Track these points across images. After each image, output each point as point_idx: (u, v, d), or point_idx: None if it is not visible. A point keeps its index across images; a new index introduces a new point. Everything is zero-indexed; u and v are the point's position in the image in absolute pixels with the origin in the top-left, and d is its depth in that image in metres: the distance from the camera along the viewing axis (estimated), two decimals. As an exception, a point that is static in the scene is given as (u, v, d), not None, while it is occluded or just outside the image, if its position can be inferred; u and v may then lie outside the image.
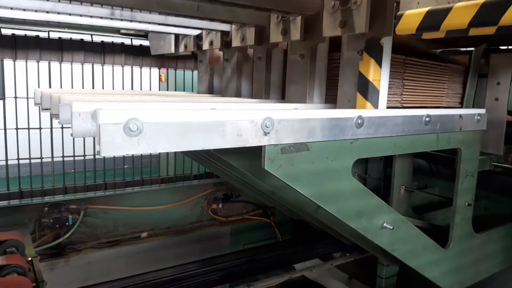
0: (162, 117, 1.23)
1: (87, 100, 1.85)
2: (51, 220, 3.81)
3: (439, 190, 3.84)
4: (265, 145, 1.48)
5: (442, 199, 3.52)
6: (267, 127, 1.45)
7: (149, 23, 2.80)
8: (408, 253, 2.27)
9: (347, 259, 3.81)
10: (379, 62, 2.02)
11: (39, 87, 3.77)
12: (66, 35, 3.88)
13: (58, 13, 2.59)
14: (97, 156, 4.16)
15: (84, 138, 4.04)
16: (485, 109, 2.73)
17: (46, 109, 2.09)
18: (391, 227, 2.03)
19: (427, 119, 2.02)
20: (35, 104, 2.48)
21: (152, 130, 1.21)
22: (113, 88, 4.20)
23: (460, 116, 2.21)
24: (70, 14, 2.60)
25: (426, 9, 1.61)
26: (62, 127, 3.89)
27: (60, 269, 3.82)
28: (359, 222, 1.94)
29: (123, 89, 4.24)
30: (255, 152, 1.51)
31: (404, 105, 2.40)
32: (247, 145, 1.42)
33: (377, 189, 4.17)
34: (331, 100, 2.39)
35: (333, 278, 3.74)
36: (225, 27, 2.89)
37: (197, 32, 3.25)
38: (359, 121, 1.73)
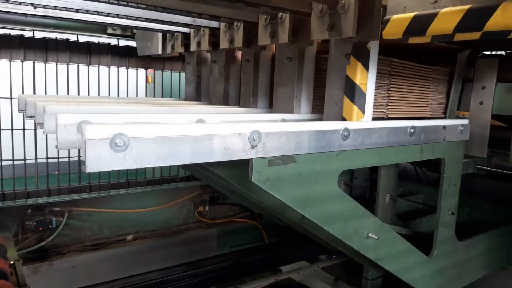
0: (148, 132, 1.22)
1: (72, 111, 1.82)
2: (35, 223, 3.75)
3: (423, 196, 3.90)
4: (252, 158, 1.48)
5: (426, 205, 3.59)
6: (254, 140, 1.45)
7: (136, 18, 2.77)
8: (393, 262, 2.31)
9: (333, 261, 3.83)
10: (366, 66, 2.03)
11: (23, 87, 3.72)
12: (51, 34, 3.83)
13: (44, 6, 2.55)
14: (82, 156, 4.10)
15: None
16: (470, 112, 2.79)
17: (31, 117, 2.06)
18: (376, 237, 2.06)
19: (412, 130, 2.06)
20: (19, 110, 2.44)
21: (138, 145, 1.20)
22: (99, 89, 4.16)
23: (444, 127, 2.26)
24: (55, 8, 2.55)
25: (413, 14, 1.63)
26: (46, 128, 3.83)
27: (44, 272, 3.76)
28: (345, 232, 1.96)
29: (109, 90, 4.20)
30: (243, 163, 1.51)
31: (390, 115, 2.43)
32: (234, 159, 1.42)
33: (363, 195, 4.21)
34: (318, 108, 2.41)
35: (319, 280, 3.75)
36: (213, 24, 2.87)
37: (184, 29, 3.23)
38: (345, 133, 1.76)
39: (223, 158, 1.40)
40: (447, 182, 2.42)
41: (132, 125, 1.20)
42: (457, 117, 2.92)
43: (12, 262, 2.83)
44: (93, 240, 4.16)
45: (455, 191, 2.50)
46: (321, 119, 2.28)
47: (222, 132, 1.38)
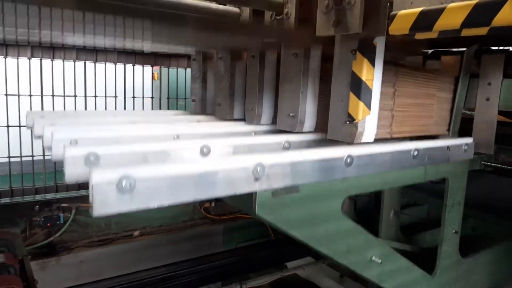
0: (154, 172, 1.23)
1: (80, 140, 1.82)
2: (42, 219, 3.78)
3: (428, 206, 3.88)
4: (256, 191, 1.48)
5: (431, 217, 3.59)
6: (258, 172, 1.44)
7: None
8: (396, 283, 2.30)
9: (339, 258, 3.83)
10: (372, 62, 2.03)
11: (30, 84, 3.74)
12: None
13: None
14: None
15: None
16: (476, 108, 2.77)
17: (39, 137, 2.06)
18: (379, 261, 2.06)
19: (415, 153, 2.04)
20: (27, 127, 2.43)
21: (144, 186, 1.20)
22: (105, 87, 4.18)
23: (448, 147, 2.24)
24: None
25: (419, 9, 1.62)
26: (53, 125, 3.86)
27: (52, 268, 3.80)
28: (348, 258, 1.97)
29: (115, 87, 4.22)
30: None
31: (394, 136, 2.41)
32: (238, 193, 1.41)
33: (367, 209, 4.17)
34: (323, 101, 2.40)
35: (325, 276, 3.76)
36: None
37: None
38: (349, 160, 1.75)
39: (227, 193, 1.39)
40: (451, 200, 2.41)
41: (137, 166, 1.21)
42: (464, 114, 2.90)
43: (20, 258, 2.86)
44: (101, 236, 4.19)
45: (459, 210, 2.50)
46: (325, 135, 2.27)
47: (226, 167, 1.37)
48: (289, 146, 2.10)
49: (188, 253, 4.42)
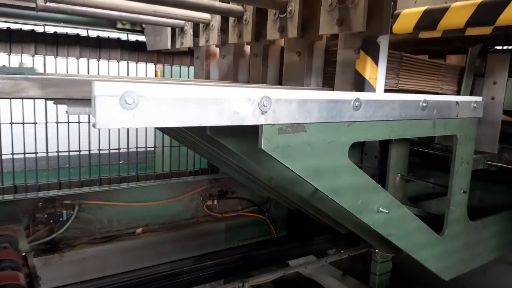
0: (158, 92, 1.21)
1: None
2: (45, 215, 3.79)
3: (433, 180, 3.78)
4: (262, 124, 1.46)
5: (437, 190, 3.48)
6: (264, 106, 1.42)
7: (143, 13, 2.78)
8: (404, 239, 2.26)
9: (341, 256, 3.83)
10: (376, 61, 2.02)
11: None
12: (61, 29, 3.86)
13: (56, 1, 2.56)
14: (92, 150, 4.15)
15: (78, 134, 4.03)
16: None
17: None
18: (387, 211, 2.01)
19: (424, 104, 2.00)
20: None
21: (148, 104, 1.19)
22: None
23: (457, 102, 2.20)
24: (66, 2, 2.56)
25: (423, 8, 1.62)
26: (57, 122, 3.88)
27: (55, 264, 3.81)
28: (355, 206, 1.92)
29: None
30: (252, 135, 1.50)
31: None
32: (244, 124, 1.40)
33: (372, 176, 4.06)
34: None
35: (327, 274, 3.76)
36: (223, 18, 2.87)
37: (193, 24, 3.23)
38: (357, 103, 1.71)
39: (232, 123, 1.37)
40: (459, 160, 2.35)
41: (141, 84, 1.19)
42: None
43: (23, 254, 2.87)
44: (103, 233, 4.20)
45: (467, 170, 2.43)
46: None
47: (232, 96, 1.35)
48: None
49: (190, 250, 4.43)
